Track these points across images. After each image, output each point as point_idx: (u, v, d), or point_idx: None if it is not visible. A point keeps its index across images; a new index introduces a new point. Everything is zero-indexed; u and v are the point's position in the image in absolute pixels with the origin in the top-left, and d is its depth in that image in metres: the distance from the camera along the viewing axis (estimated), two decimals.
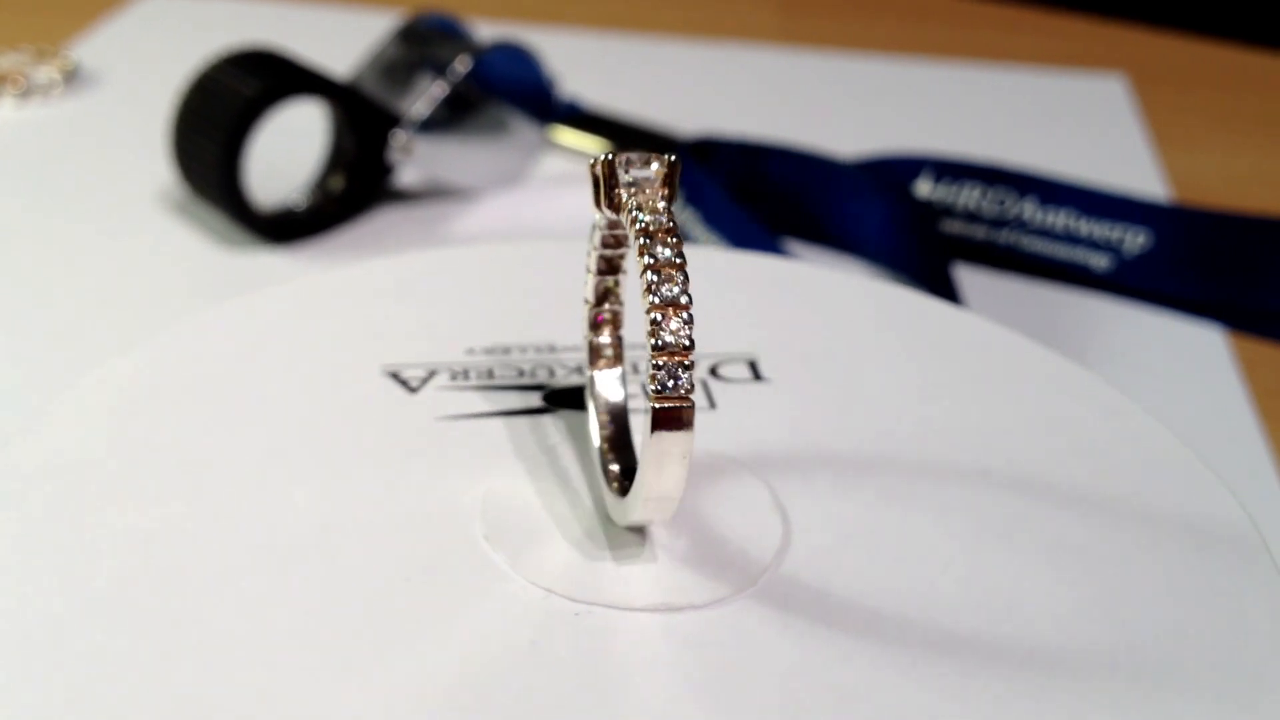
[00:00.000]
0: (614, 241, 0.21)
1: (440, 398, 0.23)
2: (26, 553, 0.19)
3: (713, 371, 0.24)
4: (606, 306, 0.22)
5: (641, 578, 0.19)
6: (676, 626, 0.18)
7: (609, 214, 0.19)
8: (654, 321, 0.18)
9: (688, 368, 0.18)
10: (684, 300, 0.18)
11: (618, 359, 0.22)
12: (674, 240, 0.18)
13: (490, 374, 0.24)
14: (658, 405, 0.18)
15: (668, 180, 0.19)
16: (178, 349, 0.24)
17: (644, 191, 0.19)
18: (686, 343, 0.18)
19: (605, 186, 0.19)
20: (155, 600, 0.18)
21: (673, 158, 0.19)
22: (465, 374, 0.24)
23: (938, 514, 0.21)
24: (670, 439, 0.18)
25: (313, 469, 0.21)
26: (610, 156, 0.19)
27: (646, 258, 0.18)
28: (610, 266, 0.21)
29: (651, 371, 0.18)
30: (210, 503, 0.20)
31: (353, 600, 0.19)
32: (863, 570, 0.20)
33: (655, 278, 0.18)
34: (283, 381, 0.23)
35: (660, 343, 0.18)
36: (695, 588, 0.19)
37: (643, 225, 0.18)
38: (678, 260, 0.18)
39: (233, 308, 0.25)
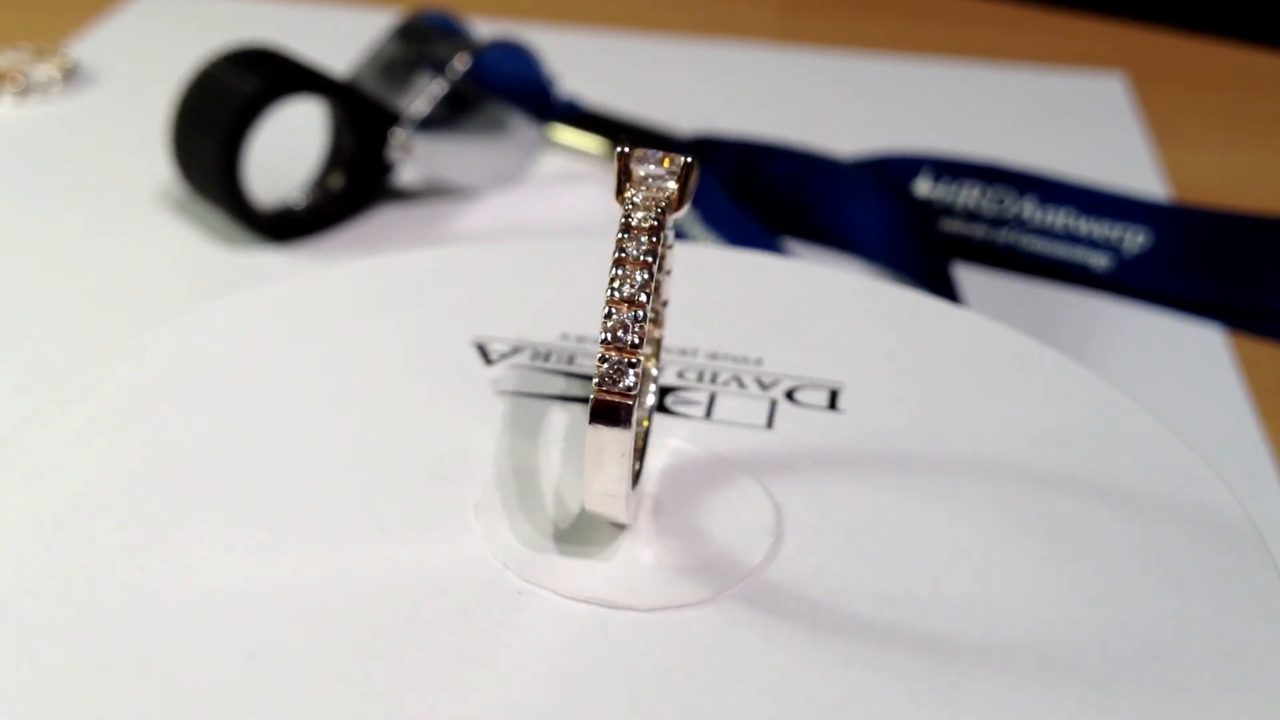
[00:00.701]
0: None
1: (512, 373, 0.24)
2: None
3: (789, 395, 0.24)
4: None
5: (600, 573, 0.19)
6: (608, 622, 0.18)
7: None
8: (606, 315, 0.18)
9: (633, 365, 0.18)
10: (641, 299, 0.18)
11: (654, 356, 0.22)
12: (651, 240, 0.18)
13: (570, 359, 0.24)
14: (596, 399, 0.18)
15: (679, 179, 0.19)
16: (286, 297, 0.26)
17: (648, 188, 0.19)
18: (635, 340, 0.18)
19: (619, 179, 0.19)
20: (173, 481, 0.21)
21: (688, 159, 0.19)
22: (547, 356, 0.24)
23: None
24: (607, 434, 0.18)
25: (357, 412, 0.22)
26: (628, 150, 0.19)
27: (617, 252, 0.18)
28: None
29: (597, 364, 0.18)
30: (251, 422, 0.22)
31: (324, 532, 0.20)
32: (840, 585, 0.19)
33: (618, 273, 0.18)
34: (371, 338, 0.24)
35: (609, 337, 0.18)
36: (646, 591, 0.19)
37: (625, 220, 0.18)
38: (646, 259, 0.18)
39: (341, 272, 0.27)
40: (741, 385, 0.24)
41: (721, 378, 0.24)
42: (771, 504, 0.21)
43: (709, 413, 0.23)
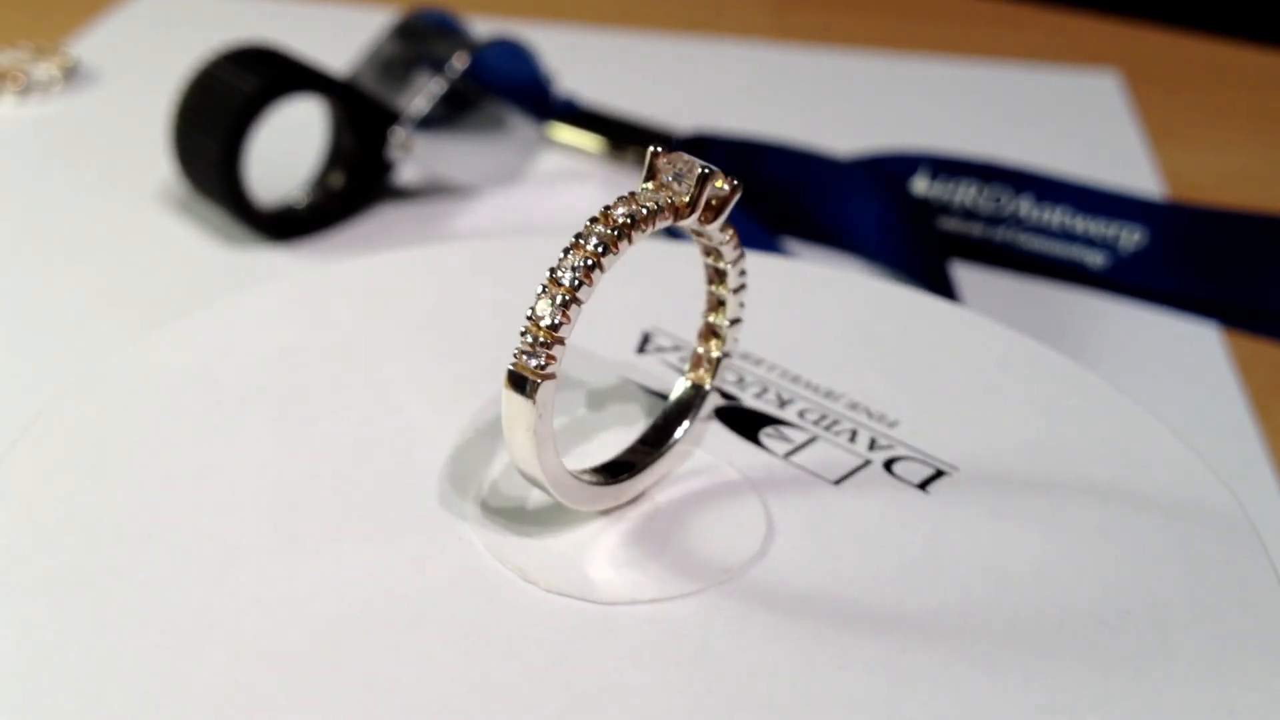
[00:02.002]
0: (715, 253, 0.20)
1: (655, 366, 0.25)
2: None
3: (888, 465, 0.22)
4: (712, 318, 0.21)
5: (539, 550, 0.20)
6: (501, 590, 0.19)
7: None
8: (539, 292, 0.18)
9: (547, 345, 0.18)
10: (573, 284, 0.18)
11: (712, 373, 0.22)
12: (611, 234, 0.18)
13: (679, 350, 0.25)
14: (511, 368, 0.18)
15: (693, 188, 0.19)
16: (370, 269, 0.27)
17: (659, 190, 0.19)
18: (554, 322, 0.18)
19: (644, 177, 0.19)
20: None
21: (706, 168, 0.19)
22: (676, 349, 0.25)
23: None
24: (515, 403, 0.18)
25: (447, 362, 0.24)
26: (660, 150, 0.19)
27: (575, 237, 0.18)
28: (718, 275, 0.21)
29: (520, 334, 0.18)
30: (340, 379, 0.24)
31: (321, 449, 0.22)
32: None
33: (564, 257, 0.18)
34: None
35: (532, 314, 0.18)
36: (560, 575, 0.20)
37: (604, 211, 0.18)
38: (596, 249, 0.18)
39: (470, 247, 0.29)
40: (851, 440, 0.23)
41: (840, 426, 0.23)
42: (763, 533, 0.21)
43: (790, 454, 0.23)
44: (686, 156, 0.19)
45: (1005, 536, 0.21)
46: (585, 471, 0.21)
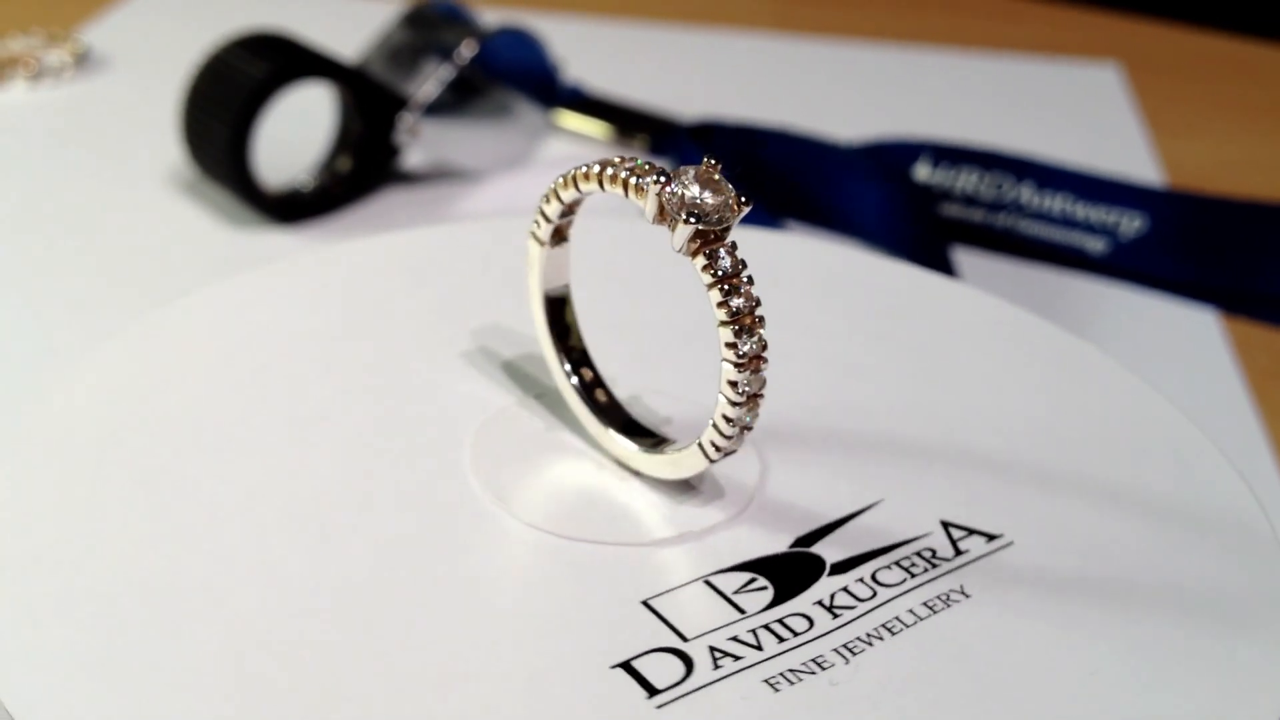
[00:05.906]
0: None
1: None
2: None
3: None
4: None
5: (513, 473, 0.22)
6: (464, 498, 0.21)
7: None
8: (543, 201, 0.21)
9: (537, 223, 0.21)
10: (559, 182, 0.20)
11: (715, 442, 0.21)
12: (594, 170, 0.20)
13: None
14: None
15: (651, 191, 0.19)
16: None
17: (644, 174, 0.19)
18: (541, 204, 0.21)
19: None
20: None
21: (663, 177, 0.19)
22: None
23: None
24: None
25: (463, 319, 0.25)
26: (715, 161, 0.19)
27: (576, 167, 0.20)
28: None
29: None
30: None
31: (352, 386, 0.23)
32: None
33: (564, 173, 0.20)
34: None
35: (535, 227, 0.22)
36: (505, 495, 0.21)
37: (606, 160, 0.20)
38: (574, 176, 0.20)
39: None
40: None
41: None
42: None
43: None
44: (711, 176, 0.19)
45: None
46: (609, 400, 0.22)
